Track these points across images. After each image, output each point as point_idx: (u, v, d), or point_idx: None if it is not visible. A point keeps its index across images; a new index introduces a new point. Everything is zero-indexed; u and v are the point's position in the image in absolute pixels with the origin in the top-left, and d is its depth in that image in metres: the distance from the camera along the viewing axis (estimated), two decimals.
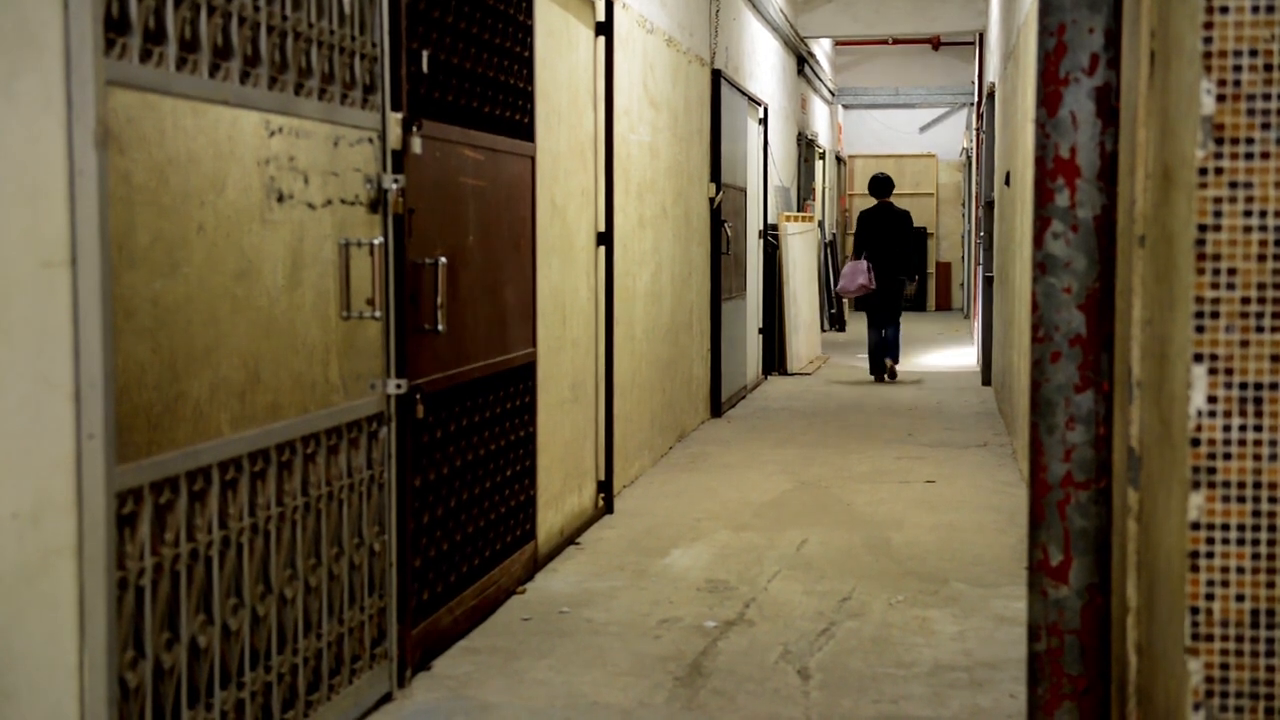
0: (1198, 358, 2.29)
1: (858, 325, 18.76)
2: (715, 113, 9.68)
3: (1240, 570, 2.28)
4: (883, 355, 11.98)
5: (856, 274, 12.04)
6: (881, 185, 12.44)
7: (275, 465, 3.26)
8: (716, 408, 9.82)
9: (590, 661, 4.29)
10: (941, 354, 14.92)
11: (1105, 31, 2.53)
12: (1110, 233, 2.56)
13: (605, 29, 6.31)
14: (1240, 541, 2.28)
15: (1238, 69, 2.24)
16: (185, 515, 2.88)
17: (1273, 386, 2.26)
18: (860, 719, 3.84)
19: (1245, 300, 2.26)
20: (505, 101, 4.88)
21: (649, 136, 7.62)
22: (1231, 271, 2.27)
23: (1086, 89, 2.54)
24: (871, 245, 12.23)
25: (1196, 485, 2.29)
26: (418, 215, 4.03)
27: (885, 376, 12.03)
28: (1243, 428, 2.27)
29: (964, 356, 14.51)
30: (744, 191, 11.02)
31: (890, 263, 12.10)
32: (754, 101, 11.60)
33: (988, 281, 11.55)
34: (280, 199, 3.27)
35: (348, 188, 3.63)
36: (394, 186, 3.85)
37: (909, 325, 17.32)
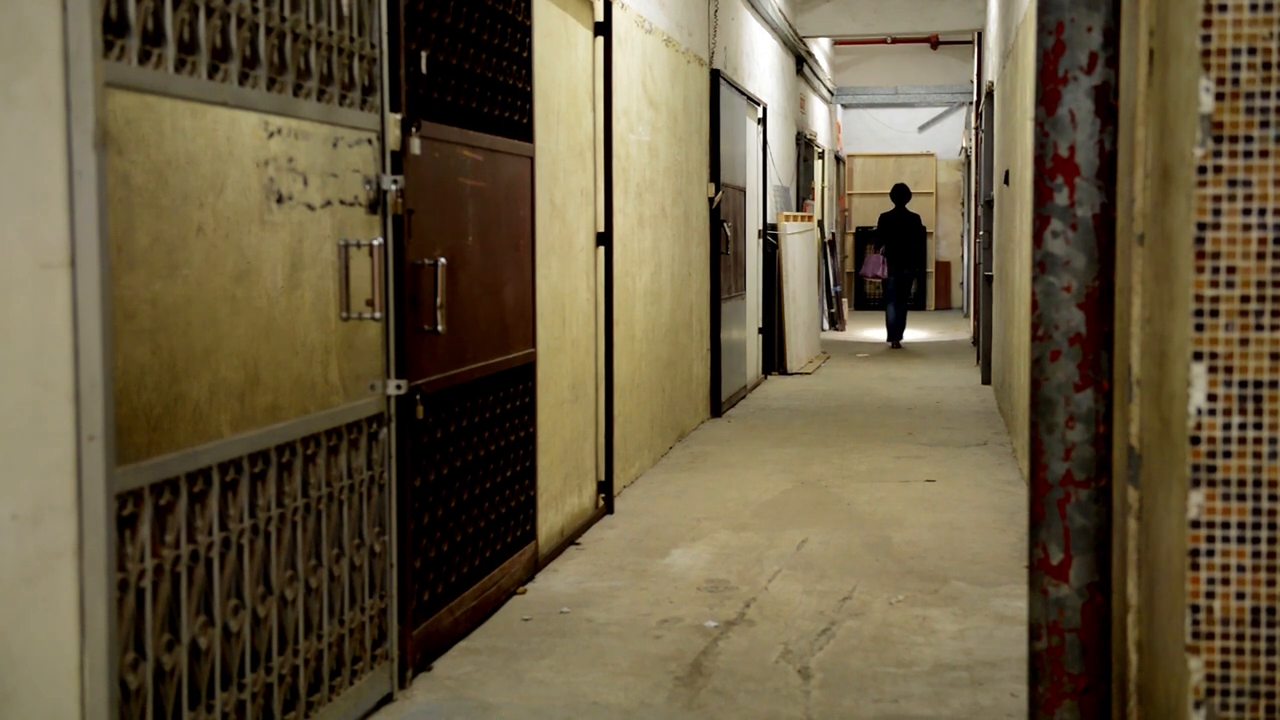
0: (1197, 356, 2.29)
1: (857, 326, 18.86)
2: (714, 112, 9.68)
3: (1241, 568, 2.28)
4: (896, 330, 15.47)
5: (875, 265, 16.24)
6: (900, 193, 16.02)
7: (275, 466, 3.26)
8: (716, 407, 9.82)
9: (591, 661, 4.29)
10: (939, 351, 14.93)
11: (1104, 30, 2.53)
12: (1109, 231, 2.56)
13: (604, 29, 6.31)
14: (1240, 539, 2.28)
15: (1236, 67, 2.24)
16: (185, 517, 2.88)
17: (1272, 384, 2.26)
18: (861, 718, 3.84)
19: (1245, 298, 2.26)
20: (504, 102, 4.88)
21: (648, 136, 7.62)
22: (1231, 270, 2.27)
23: (1085, 87, 2.54)
24: (888, 241, 15.78)
25: (1196, 483, 2.29)
26: (417, 216, 4.03)
27: (896, 345, 15.40)
28: (1242, 426, 2.27)
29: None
30: (743, 191, 11.02)
31: (901, 256, 15.64)
32: (753, 101, 11.60)
33: (987, 280, 11.55)
34: (279, 200, 3.27)
35: (347, 189, 3.63)
36: (393, 187, 3.85)
37: (909, 323, 18.44)
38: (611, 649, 4.42)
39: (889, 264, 15.72)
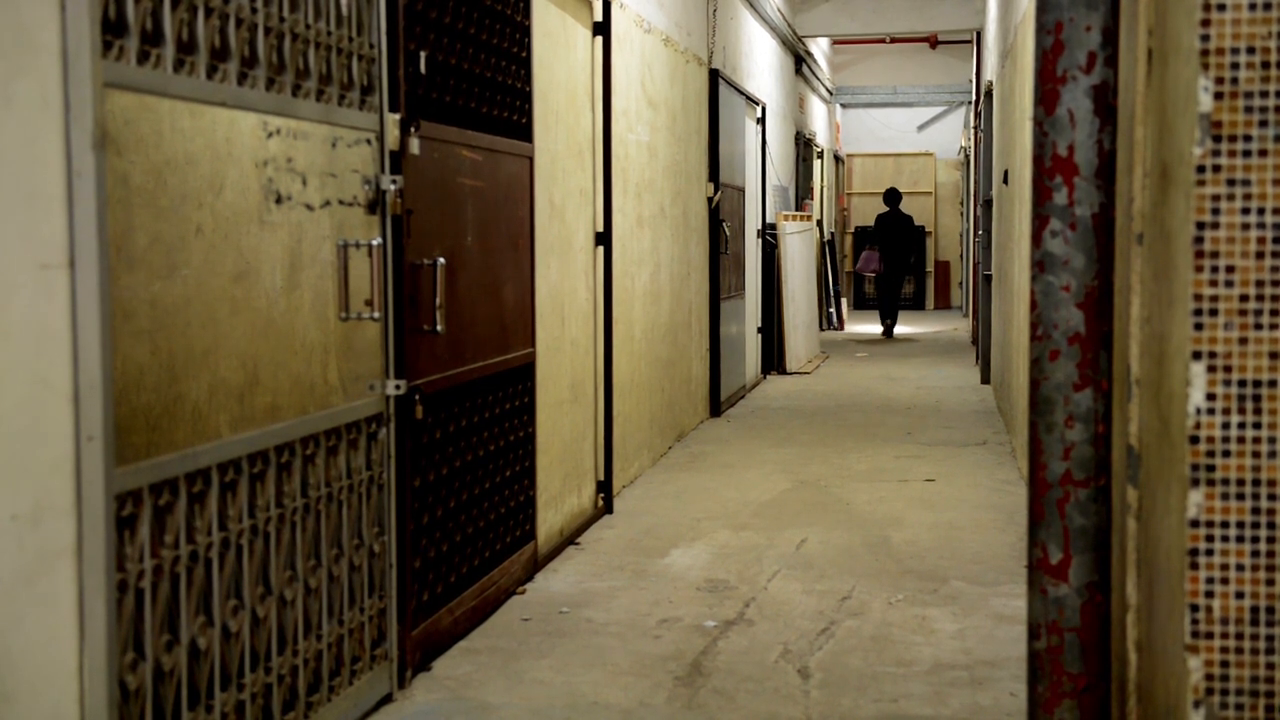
0: (1196, 355, 2.29)
1: (856, 325, 18.87)
2: (713, 112, 9.68)
3: (1240, 567, 2.28)
4: (888, 321, 17.07)
5: (871, 260, 17.64)
6: (891, 196, 17.68)
7: (274, 467, 3.26)
8: (715, 407, 9.82)
9: (590, 661, 4.29)
10: (937, 353, 14.94)
11: (1103, 29, 2.53)
12: (1108, 231, 2.56)
13: (603, 29, 6.31)
14: (1240, 539, 2.28)
15: (1235, 66, 2.24)
16: (185, 517, 2.88)
17: (1271, 384, 2.26)
18: (860, 718, 3.84)
19: (1244, 298, 2.26)
20: (503, 102, 4.88)
21: (647, 136, 7.62)
22: (1230, 269, 2.27)
23: (1084, 87, 2.54)
24: (882, 240, 17.50)
25: (1195, 483, 2.29)
26: (416, 216, 4.03)
27: (889, 334, 16.93)
28: (1241, 425, 2.27)
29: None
30: (742, 191, 11.02)
31: (895, 254, 17.33)
32: (752, 101, 11.60)
33: (986, 280, 11.55)
34: (278, 200, 3.27)
35: (346, 189, 3.63)
36: (392, 187, 3.85)
37: (905, 322, 18.92)
38: (611, 649, 4.42)
39: (884, 261, 17.24)
